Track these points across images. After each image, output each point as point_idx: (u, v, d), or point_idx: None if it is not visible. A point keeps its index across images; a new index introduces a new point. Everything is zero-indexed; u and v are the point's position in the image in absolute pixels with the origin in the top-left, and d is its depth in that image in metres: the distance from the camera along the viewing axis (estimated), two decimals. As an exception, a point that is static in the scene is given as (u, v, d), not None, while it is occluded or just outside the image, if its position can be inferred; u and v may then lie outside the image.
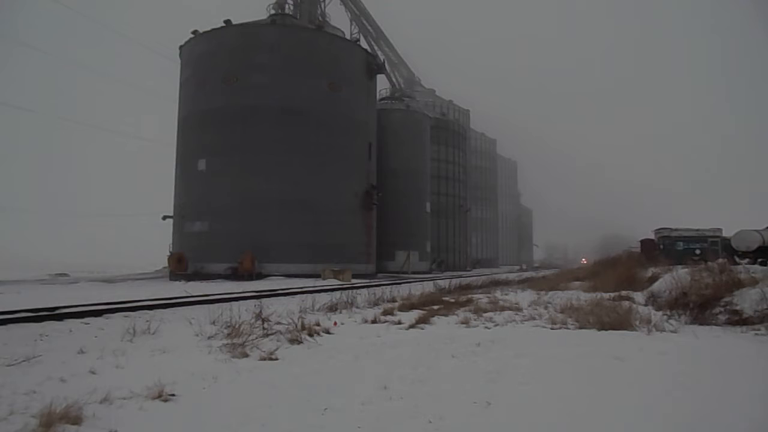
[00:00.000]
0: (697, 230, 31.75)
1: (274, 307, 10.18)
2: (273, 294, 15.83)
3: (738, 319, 8.11)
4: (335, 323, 8.56)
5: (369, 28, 47.28)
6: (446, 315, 9.84)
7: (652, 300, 10.71)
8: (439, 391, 4.42)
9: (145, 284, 22.79)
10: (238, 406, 4.05)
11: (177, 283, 22.88)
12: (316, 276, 26.36)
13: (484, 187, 79.80)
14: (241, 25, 30.90)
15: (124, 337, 6.85)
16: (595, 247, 63.85)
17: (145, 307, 11.00)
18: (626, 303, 9.74)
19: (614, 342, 6.66)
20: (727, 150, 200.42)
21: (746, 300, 8.46)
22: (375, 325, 8.76)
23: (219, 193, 28.45)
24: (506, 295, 14.37)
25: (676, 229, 32.04)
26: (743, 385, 4.70)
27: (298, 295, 14.78)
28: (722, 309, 8.53)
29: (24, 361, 5.32)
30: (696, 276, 9.97)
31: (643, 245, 32.57)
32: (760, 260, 23.92)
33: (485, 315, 9.69)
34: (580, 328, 7.96)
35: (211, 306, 10.14)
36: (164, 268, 31.77)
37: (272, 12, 33.11)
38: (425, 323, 8.77)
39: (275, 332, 7.11)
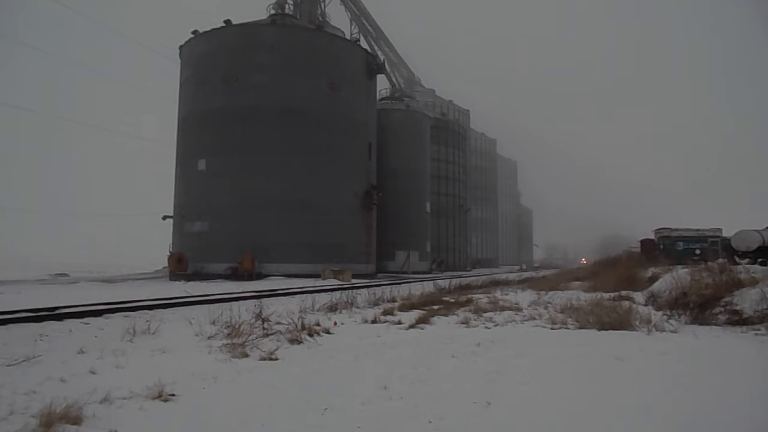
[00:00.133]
0: (697, 230, 31.75)
1: (274, 307, 10.18)
2: (273, 294, 15.83)
3: (738, 319, 8.11)
4: (335, 323, 8.56)
5: (369, 28, 47.28)
6: (446, 315, 9.84)
7: (652, 300, 10.71)
8: (439, 391, 4.42)
9: (145, 284, 22.79)
10: (238, 406, 4.05)
11: (177, 283, 22.88)
12: (316, 276, 26.36)
13: (484, 187, 79.81)
14: (241, 25, 30.90)
15: (124, 337, 6.85)
16: (595, 247, 63.84)
17: (145, 307, 11.00)
18: (626, 303, 9.74)
19: (614, 342, 6.66)
20: (727, 150, 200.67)
21: (746, 300, 8.46)
22: (375, 325, 8.76)
23: (219, 193, 28.45)
24: (506, 295, 14.38)
25: (676, 229, 32.03)
26: (743, 385, 4.69)
27: (298, 295, 14.78)
28: (722, 309, 8.53)
29: (24, 361, 5.32)
30: (696, 276, 9.97)
31: (643, 245, 32.56)
32: (760, 260, 23.90)
33: (485, 315, 9.69)
34: (580, 328, 7.96)
35: (211, 306, 10.14)
36: (164, 268, 31.77)
37: (272, 12, 33.12)
38: (425, 323, 8.77)
39: (275, 332, 7.11)
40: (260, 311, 8.05)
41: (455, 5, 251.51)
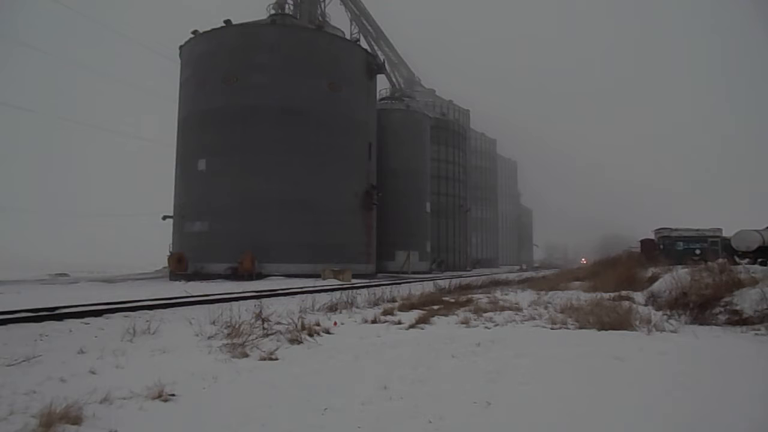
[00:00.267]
0: (697, 230, 31.75)
1: (274, 307, 10.17)
2: (273, 294, 15.83)
3: (738, 319, 8.11)
4: (335, 323, 8.56)
5: (369, 28, 47.28)
6: (446, 315, 9.84)
7: (652, 300, 10.71)
8: (439, 391, 4.42)
9: (145, 284, 22.79)
10: (238, 406, 4.05)
11: (177, 283, 22.88)
12: (316, 276, 26.36)
13: (484, 187, 79.82)
14: (241, 25, 30.90)
15: (124, 337, 6.85)
16: (595, 247, 63.88)
17: (145, 307, 11.00)
18: (626, 303, 9.74)
19: (614, 342, 6.65)
20: (727, 150, 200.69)
21: (746, 300, 8.46)
22: (375, 325, 8.76)
23: (219, 193, 28.45)
24: (506, 295, 14.37)
25: (676, 229, 32.04)
26: (743, 385, 4.69)
27: (298, 295, 14.78)
28: (722, 309, 8.53)
29: (24, 361, 5.32)
30: (696, 276, 9.97)
31: (643, 245, 32.57)
32: (760, 260, 23.90)
33: (485, 315, 9.69)
34: (580, 328, 7.96)
35: (211, 306, 10.14)
36: (164, 268, 31.78)
37: (272, 12, 33.12)
38: (425, 323, 8.77)
39: (275, 332, 7.11)
40: (260, 311, 8.05)
41: (455, 5, 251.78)
